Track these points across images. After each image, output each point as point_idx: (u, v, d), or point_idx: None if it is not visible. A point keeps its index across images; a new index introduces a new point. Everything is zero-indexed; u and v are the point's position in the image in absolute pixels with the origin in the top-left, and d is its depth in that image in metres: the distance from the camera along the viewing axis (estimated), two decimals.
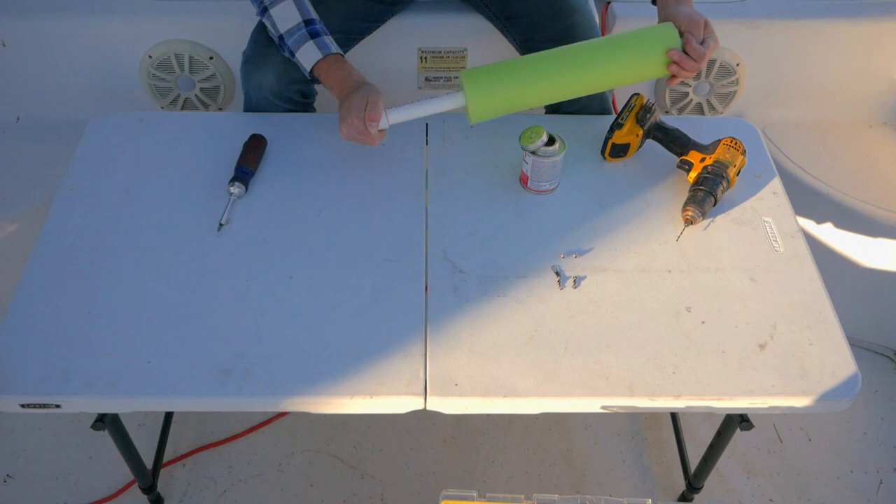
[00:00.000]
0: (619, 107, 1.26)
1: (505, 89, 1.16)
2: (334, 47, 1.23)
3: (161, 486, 1.42)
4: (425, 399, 0.96)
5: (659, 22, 1.20)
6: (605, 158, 1.28)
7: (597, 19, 1.47)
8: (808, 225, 1.60)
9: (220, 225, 1.15)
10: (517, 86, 1.17)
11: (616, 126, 1.24)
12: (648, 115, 1.23)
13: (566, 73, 1.17)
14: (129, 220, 1.16)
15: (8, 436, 1.53)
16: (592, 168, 1.27)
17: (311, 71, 1.23)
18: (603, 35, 1.42)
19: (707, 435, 1.31)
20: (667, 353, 1.01)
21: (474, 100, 1.15)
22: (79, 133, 1.30)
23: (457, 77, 1.66)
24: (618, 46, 1.18)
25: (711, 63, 1.68)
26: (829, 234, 1.59)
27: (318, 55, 1.21)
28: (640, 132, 1.24)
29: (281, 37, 1.23)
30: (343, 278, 1.09)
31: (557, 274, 1.10)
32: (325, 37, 1.23)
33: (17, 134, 1.68)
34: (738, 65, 1.69)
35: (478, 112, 1.17)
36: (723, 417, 1.21)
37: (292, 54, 1.23)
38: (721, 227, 1.18)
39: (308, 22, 1.22)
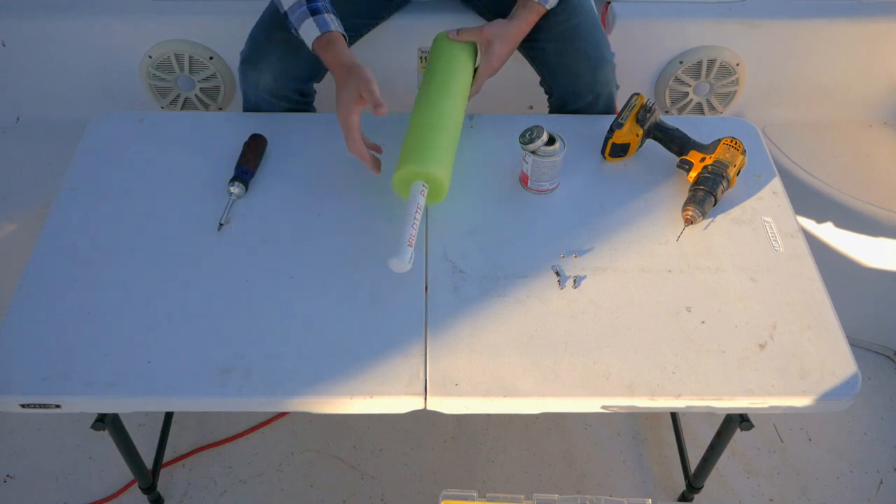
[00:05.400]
0: (619, 107, 1.26)
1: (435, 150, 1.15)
2: (334, 25, 1.20)
3: (161, 486, 1.42)
4: (425, 399, 0.96)
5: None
6: (605, 158, 1.28)
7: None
8: (809, 225, 1.60)
9: (220, 225, 1.15)
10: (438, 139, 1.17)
11: (616, 126, 1.24)
12: (648, 115, 1.23)
13: (453, 104, 1.23)
14: (129, 220, 1.15)
15: (8, 436, 1.53)
16: (592, 168, 1.27)
17: (314, 49, 1.22)
18: (605, 32, 1.41)
19: (707, 435, 1.31)
20: (667, 352, 1.01)
21: (433, 182, 1.13)
22: (79, 133, 1.30)
23: None
24: (457, 73, 1.29)
25: (711, 63, 1.68)
26: (829, 234, 1.59)
27: (315, 32, 1.19)
28: (640, 132, 1.24)
29: (286, 13, 1.22)
30: (343, 278, 1.08)
31: (557, 274, 1.10)
32: (325, 14, 1.20)
33: (17, 134, 1.68)
34: (738, 65, 1.69)
35: (442, 186, 1.14)
36: (723, 417, 1.21)
37: (297, 31, 1.22)
38: (721, 227, 1.18)
39: None
